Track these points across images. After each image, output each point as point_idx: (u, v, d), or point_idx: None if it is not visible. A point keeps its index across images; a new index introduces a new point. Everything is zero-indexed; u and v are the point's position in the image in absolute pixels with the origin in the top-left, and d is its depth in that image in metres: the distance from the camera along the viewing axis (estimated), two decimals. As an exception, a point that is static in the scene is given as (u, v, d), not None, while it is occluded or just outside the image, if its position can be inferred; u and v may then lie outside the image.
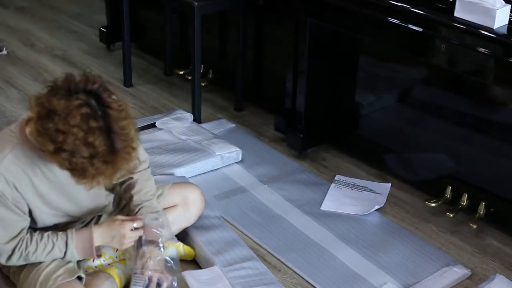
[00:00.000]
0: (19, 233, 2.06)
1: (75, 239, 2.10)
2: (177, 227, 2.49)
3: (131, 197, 2.29)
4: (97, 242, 2.13)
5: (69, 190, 2.10)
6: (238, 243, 2.59)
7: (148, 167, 2.35)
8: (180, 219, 2.49)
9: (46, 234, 2.10)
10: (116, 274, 2.27)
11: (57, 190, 2.08)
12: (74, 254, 2.12)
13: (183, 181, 2.83)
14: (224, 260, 2.48)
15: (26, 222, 2.07)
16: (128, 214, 2.29)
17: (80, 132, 1.79)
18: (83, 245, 2.12)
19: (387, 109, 3.18)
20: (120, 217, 2.18)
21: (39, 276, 2.11)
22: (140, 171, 2.30)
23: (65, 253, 2.11)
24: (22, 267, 2.16)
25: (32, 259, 2.09)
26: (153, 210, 2.27)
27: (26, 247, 2.06)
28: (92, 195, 2.15)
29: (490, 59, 2.39)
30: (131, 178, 2.29)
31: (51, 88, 1.86)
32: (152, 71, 4.11)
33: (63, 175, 1.98)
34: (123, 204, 2.40)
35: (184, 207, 2.49)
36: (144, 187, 2.29)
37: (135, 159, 1.93)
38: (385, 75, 3.13)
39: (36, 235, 2.09)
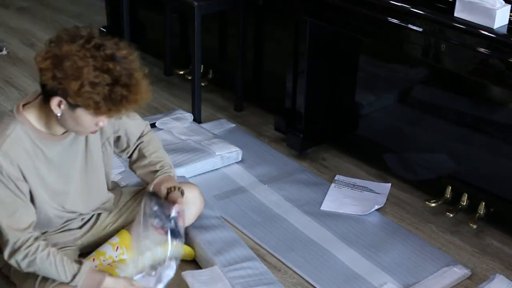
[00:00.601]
0: (28, 226, 2.03)
1: (84, 276, 2.08)
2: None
3: (147, 161, 2.36)
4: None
5: (67, 171, 2.13)
6: (238, 243, 2.59)
7: (150, 130, 2.44)
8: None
9: (62, 254, 2.08)
10: (116, 274, 2.27)
11: (55, 172, 2.10)
12: (78, 285, 2.10)
13: (182, 181, 2.83)
14: (224, 260, 2.48)
15: (32, 212, 2.06)
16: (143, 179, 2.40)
17: (99, 60, 1.88)
18: (90, 283, 2.10)
19: (387, 109, 3.17)
20: (138, 285, 2.17)
21: (38, 276, 2.10)
22: (147, 133, 2.40)
23: (70, 281, 2.08)
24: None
25: (35, 267, 2.05)
26: (172, 166, 2.39)
27: (36, 251, 2.02)
28: (88, 178, 2.20)
29: (490, 59, 2.39)
30: (142, 142, 2.38)
31: (53, 42, 1.93)
32: (152, 71, 4.05)
33: (61, 156, 2.08)
34: (123, 203, 2.41)
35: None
36: (157, 145, 2.41)
37: (148, 87, 2.06)
38: (385, 75, 3.12)
39: (53, 249, 2.06)
